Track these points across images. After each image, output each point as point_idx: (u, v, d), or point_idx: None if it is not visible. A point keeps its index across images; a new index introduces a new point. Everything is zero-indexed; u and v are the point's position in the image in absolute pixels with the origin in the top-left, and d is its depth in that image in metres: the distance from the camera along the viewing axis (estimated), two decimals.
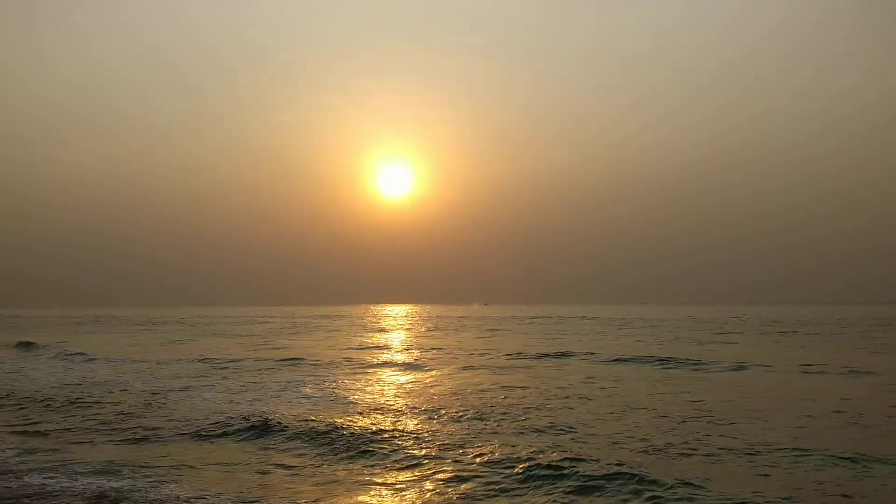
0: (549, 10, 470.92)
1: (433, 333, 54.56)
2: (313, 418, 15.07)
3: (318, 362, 29.24)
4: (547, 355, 31.15)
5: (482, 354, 32.77)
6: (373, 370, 26.41)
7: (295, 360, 29.94)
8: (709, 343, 39.41)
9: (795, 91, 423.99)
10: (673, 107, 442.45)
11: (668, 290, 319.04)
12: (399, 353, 34.61)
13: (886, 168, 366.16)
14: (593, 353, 31.65)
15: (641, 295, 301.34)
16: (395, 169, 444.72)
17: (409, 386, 21.65)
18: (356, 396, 19.04)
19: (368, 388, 20.89)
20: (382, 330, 62.14)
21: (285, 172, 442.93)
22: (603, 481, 9.89)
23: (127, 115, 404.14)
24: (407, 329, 64.03)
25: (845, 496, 9.26)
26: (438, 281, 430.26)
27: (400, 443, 12.81)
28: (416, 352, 35.39)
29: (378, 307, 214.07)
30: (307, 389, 20.53)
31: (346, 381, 22.52)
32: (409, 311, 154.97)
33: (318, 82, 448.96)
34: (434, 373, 25.11)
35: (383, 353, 35.06)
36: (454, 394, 19.25)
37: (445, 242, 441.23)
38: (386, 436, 13.34)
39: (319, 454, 12.39)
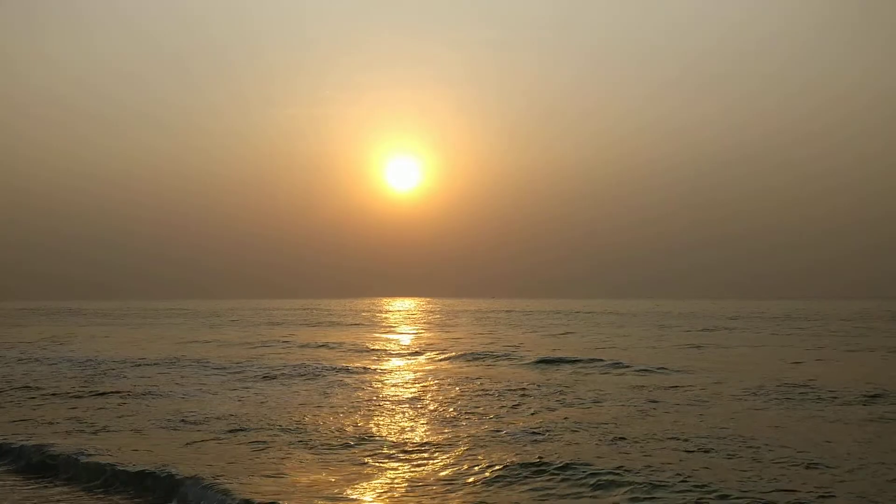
0: (560, 3, 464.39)
1: (382, 329, 50.72)
2: None
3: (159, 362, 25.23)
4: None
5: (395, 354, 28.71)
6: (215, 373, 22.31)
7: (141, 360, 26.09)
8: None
9: (804, 85, 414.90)
10: (686, 100, 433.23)
11: (680, 284, 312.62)
12: (294, 352, 30.60)
13: None
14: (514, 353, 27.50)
15: (654, 289, 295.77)
16: (402, 162, 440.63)
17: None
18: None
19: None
20: (334, 324, 58.23)
21: (290, 167, 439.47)
22: None
23: (130, 109, 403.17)
24: (358, 325, 60.00)
25: None
26: (448, 274, 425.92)
27: None
28: (307, 350, 31.40)
29: (385, 301, 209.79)
30: None
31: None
32: (410, 305, 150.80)
33: (322, 77, 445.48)
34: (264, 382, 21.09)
35: (278, 352, 31.10)
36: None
37: (455, 235, 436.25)
38: None
39: None
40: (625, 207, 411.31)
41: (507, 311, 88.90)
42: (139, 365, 24.28)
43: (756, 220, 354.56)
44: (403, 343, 35.49)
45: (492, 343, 33.87)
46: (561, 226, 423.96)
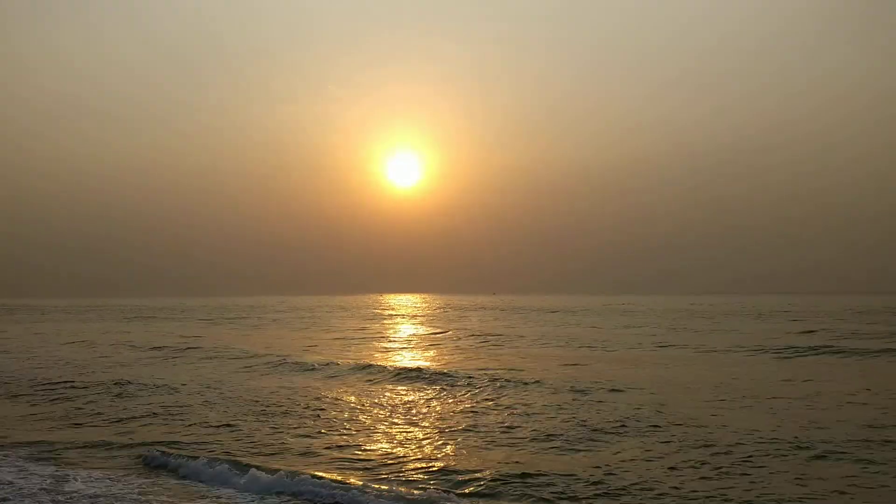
0: (562, 2, 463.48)
1: (327, 326, 50.68)
2: None
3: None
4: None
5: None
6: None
7: None
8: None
9: (804, 85, 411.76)
10: (686, 100, 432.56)
11: (681, 281, 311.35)
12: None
13: None
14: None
15: (655, 286, 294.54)
16: (404, 158, 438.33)
17: None
18: None
19: None
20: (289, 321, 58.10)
21: (293, 164, 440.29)
22: None
23: (137, 106, 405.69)
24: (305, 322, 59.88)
25: None
26: (449, 270, 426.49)
27: None
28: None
29: (384, 297, 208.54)
30: None
31: None
32: (402, 301, 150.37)
33: (325, 74, 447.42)
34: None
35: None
36: None
37: (455, 232, 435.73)
38: None
39: None
40: (625, 205, 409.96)
41: (456, 309, 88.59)
42: None
43: (756, 219, 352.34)
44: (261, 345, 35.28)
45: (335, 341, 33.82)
46: (562, 223, 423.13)
